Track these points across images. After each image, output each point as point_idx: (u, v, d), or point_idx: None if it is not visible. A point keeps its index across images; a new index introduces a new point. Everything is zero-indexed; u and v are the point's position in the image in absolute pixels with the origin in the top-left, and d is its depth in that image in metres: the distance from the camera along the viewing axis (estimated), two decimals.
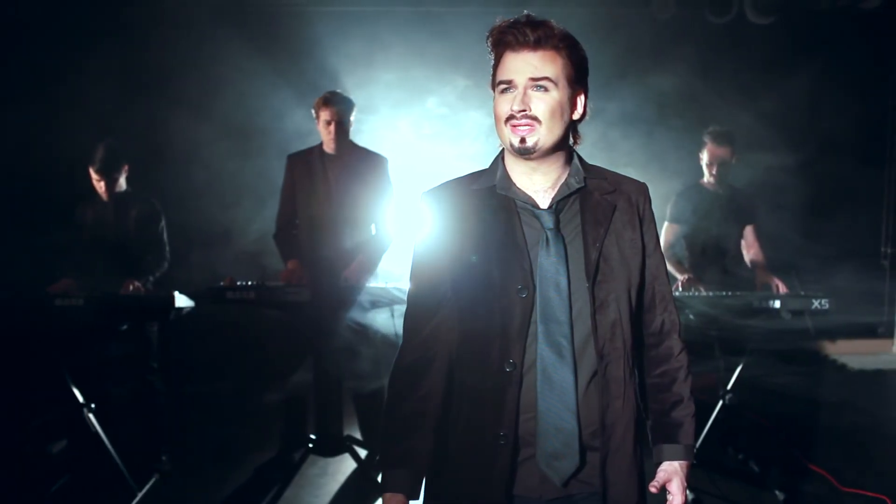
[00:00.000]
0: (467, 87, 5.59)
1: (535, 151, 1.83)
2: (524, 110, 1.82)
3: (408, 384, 1.93)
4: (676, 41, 5.73)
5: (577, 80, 1.87)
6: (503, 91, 1.85)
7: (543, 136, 1.83)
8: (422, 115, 5.77)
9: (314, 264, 4.17)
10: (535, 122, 1.82)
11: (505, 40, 1.84)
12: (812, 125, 5.99)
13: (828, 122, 5.87)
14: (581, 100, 1.89)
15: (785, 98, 5.73)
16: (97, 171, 4.22)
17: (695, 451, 2.00)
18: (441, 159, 5.57)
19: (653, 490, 1.93)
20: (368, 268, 4.11)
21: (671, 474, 1.95)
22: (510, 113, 1.83)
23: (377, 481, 4.04)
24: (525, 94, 1.82)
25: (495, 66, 1.88)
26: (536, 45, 1.82)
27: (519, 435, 1.86)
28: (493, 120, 1.89)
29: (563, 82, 1.84)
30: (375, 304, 3.96)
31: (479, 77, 2.08)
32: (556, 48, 1.83)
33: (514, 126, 1.83)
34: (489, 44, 1.88)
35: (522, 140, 1.83)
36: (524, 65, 1.83)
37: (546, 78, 1.82)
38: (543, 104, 1.83)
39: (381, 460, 1.95)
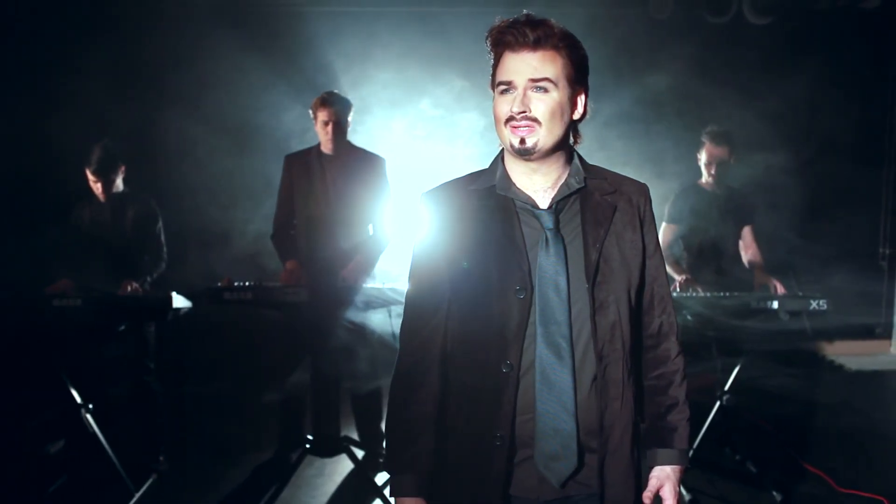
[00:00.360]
0: (464, 88, 5.59)
1: (534, 152, 1.83)
2: (524, 112, 1.81)
3: (409, 387, 1.93)
4: (674, 41, 5.73)
5: (578, 79, 1.87)
6: (503, 92, 1.84)
7: (543, 136, 1.82)
8: (418, 116, 5.77)
9: (312, 265, 4.17)
10: (534, 124, 1.81)
11: (504, 40, 1.83)
12: (810, 125, 6.00)
13: (826, 123, 5.87)
14: (581, 99, 1.89)
15: (783, 98, 5.73)
16: (93, 173, 4.22)
17: (689, 455, 2.00)
18: (438, 159, 5.57)
19: (646, 501, 1.93)
20: (366, 268, 4.11)
21: (663, 480, 1.95)
22: (510, 114, 1.82)
23: (374, 482, 4.04)
24: (525, 95, 1.82)
25: (494, 66, 1.87)
26: (536, 46, 1.81)
27: (516, 436, 1.85)
28: (489, 120, 1.89)
29: (563, 82, 1.83)
30: (372, 305, 3.96)
31: (476, 78, 2.08)
32: (555, 48, 1.82)
33: (514, 127, 1.82)
34: (488, 44, 1.87)
35: (522, 141, 1.82)
36: (524, 65, 1.82)
37: (546, 79, 1.81)
38: (543, 105, 1.82)
39: (389, 465, 1.95)
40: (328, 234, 4.21)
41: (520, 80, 1.81)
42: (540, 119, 1.81)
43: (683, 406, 1.96)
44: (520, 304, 1.83)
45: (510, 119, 1.82)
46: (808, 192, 5.81)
